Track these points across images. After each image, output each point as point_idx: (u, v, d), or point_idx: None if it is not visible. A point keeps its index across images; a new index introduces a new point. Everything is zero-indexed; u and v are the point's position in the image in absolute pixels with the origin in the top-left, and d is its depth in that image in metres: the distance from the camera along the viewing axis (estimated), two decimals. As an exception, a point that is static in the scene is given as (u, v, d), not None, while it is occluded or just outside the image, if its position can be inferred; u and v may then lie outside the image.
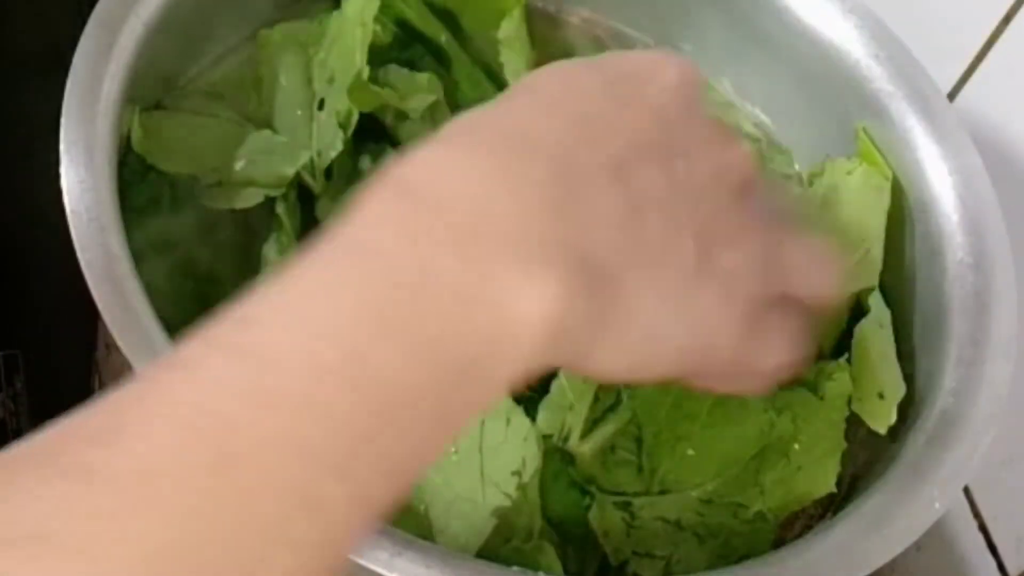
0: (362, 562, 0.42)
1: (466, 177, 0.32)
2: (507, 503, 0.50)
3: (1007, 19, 0.61)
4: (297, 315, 0.30)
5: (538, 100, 0.36)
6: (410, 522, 0.49)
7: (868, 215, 0.57)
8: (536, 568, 0.48)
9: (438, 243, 0.31)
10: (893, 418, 0.53)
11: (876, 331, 0.55)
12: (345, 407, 0.29)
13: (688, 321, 0.36)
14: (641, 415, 0.52)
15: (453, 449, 0.51)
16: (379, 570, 0.42)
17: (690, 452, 0.52)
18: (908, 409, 0.54)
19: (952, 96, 0.65)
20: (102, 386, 0.64)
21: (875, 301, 0.56)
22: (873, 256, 0.57)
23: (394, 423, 0.30)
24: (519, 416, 0.51)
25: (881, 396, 0.54)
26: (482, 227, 0.31)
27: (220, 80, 0.59)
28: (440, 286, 0.30)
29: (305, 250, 0.32)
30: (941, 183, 0.57)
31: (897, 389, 0.54)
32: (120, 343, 0.45)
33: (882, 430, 0.53)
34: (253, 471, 0.28)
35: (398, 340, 0.30)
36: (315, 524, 0.28)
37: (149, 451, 0.28)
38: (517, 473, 0.50)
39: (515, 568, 0.45)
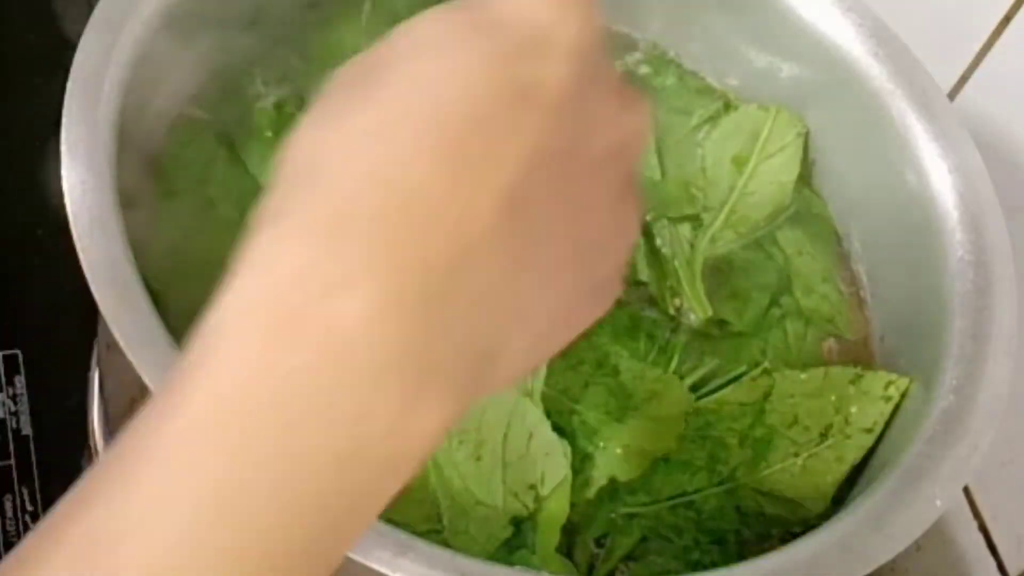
0: (365, 561, 0.42)
1: (342, 307, 0.27)
2: (524, 513, 0.50)
3: (1007, 19, 0.61)
4: (149, 530, 0.26)
5: (418, 116, 0.29)
6: (421, 518, 0.49)
7: (785, 172, 0.59)
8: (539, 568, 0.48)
9: (312, 397, 0.27)
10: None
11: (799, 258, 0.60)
12: None
13: (566, 323, 0.33)
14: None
15: (477, 456, 0.51)
16: (382, 570, 0.42)
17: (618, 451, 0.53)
18: (907, 407, 0.54)
19: (952, 96, 0.65)
20: (102, 386, 0.64)
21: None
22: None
23: None
24: (543, 430, 0.51)
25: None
26: (360, 366, 0.27)
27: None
28: (318, 454, 0.27)
29: (153, 409, 0.28)
30: (941, 181, 0.57)
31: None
32: (121, 343, 0.45)
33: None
34: None
35: (267, 539, 0.27)
36: None
37: None
38: (534, 487, 0.51)
39: (517, 567, 0.45)
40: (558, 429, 0.52)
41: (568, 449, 0.51)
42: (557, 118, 0.30)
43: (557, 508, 0.50)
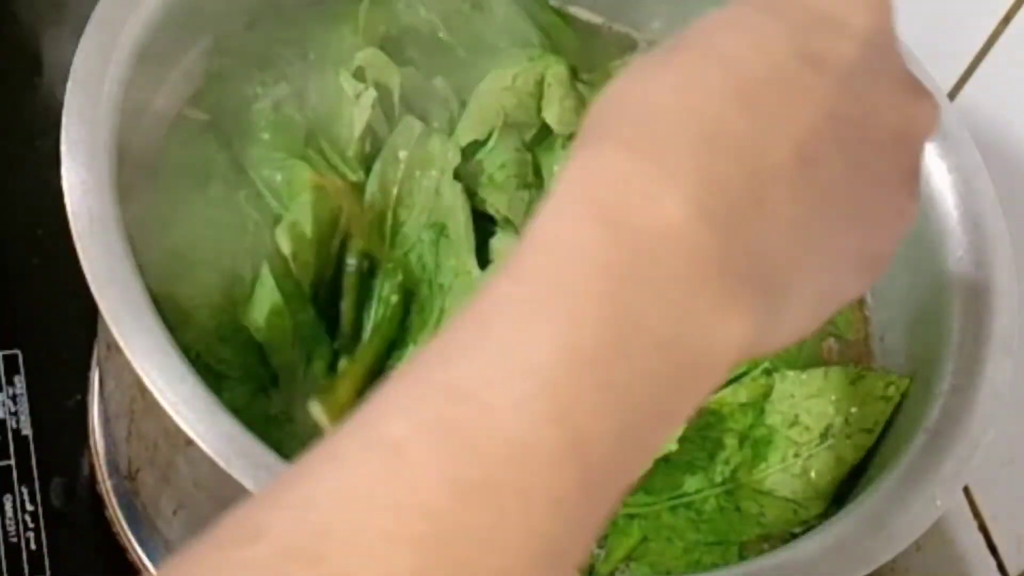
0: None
1: (663, 210, 0.30)
2: None
3: (1007, 19, 0.61)
4: (501, 382, 0.29)
5: (718, 69, 0.32)
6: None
7: None
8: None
9: (639, 287, 0.30)
10: None
11: None
12: (552, 487, 0.28)
13: (839, 288, 0.36)
14: None
15: None
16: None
17: None
18: (907, 407, 0.54)
19: (952, 96, 0.65)
20: (102, 386, 0.64)
21: None
22: None
23: (594, 489, 0.29)
24: None
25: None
26: (678, 265, 0.30)
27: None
28: (641, 335, 0.30)
29: (497, 283, 0.30)
30: (941, 181, 0.57)
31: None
32: (121, 343, 0.45)
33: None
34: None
35: (600, 401, 0.29)
36: None
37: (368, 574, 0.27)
38: None
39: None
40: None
41: None
42: (845, 88, 0.33)
43: None
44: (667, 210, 0.30)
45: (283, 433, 0.51)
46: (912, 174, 0.36)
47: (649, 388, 0.30)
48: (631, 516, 0.53)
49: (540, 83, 0.61)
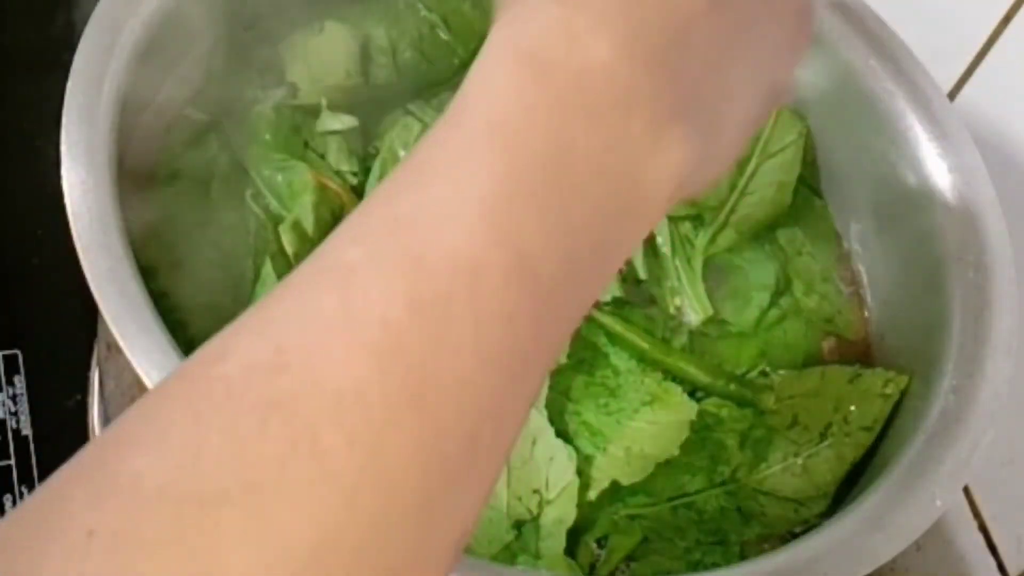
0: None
1: (589, 50, 0.32)
2: (527, 516, 0.50)
3: (1007, 19, 0.61)
4: (445, 210, 0.30)
5: None
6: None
7: (786, 172, 0.60)
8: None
9: (573, 118, 0.31)
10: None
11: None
12: (503, 301, 0.30)
13: (754, 118, 0.38)
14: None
15: None
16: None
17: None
18: (907, 407, 0.54)
19: (952, 96, 0.65)
20: (102, 386, 0.64)
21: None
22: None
23: (545, 308, 0.31)
24: (547, 437, 0.51)
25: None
26: (608, 97, 0.31)
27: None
28: (577, 163, 0.31)
29: (434, 133, 0.32)
30: (941, 181, 0.57)
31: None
32: (121, 343, 0.45)
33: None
34: (430, 387, 0.29)
35: (543, 224, 0.30)
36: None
37: (329, 377, 0.28)
38: (538, 491, 0.51)
39: (519, 567, 0.45)
40: (561, 432, 0.52)
41: (573, 453, 0.51)
42: None
43: (564, 512, 0.50)
44: (596, 52, 0.31)
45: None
46: (806, 11, 0.38)
47: (590, 214, 0.31)
48: (632, 516, 0.53)
49: None
